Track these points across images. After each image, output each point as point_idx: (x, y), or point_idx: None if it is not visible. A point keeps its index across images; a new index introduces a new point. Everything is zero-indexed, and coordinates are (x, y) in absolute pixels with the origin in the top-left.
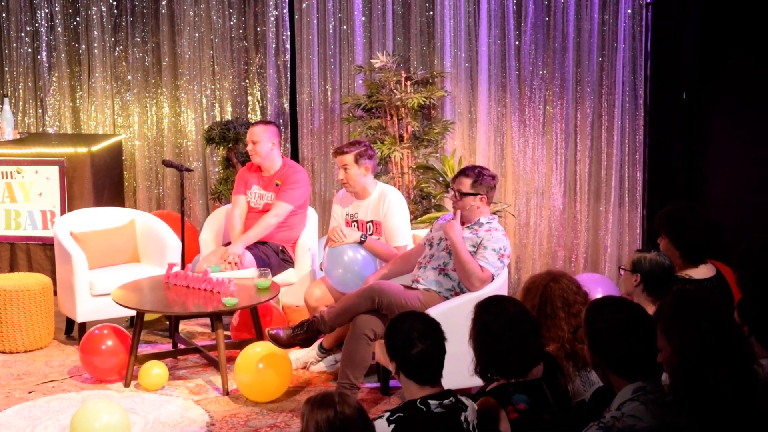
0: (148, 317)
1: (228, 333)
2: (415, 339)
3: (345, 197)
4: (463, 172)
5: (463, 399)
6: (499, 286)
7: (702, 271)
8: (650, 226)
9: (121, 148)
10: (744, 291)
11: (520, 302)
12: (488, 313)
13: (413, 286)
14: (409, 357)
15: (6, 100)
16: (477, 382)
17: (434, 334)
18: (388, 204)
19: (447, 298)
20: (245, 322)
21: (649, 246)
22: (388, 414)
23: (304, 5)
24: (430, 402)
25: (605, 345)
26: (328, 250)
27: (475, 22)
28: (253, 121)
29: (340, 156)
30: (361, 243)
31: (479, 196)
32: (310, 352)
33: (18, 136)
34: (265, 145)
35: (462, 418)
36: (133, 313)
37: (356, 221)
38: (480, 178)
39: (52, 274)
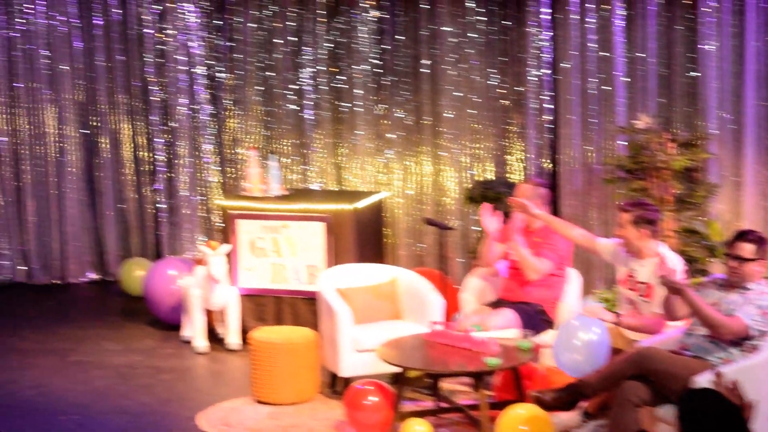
0: (409, 374)
1: (490, 393)
2: None
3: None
4: (744, 237)
5: None
6: None
7: None
8: None
9: (382, 206)
10: None
11: None
12: None
13: (681, 352)
14: None
15: (273, 156)
16: None
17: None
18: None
19: (716, 366)
20: (508, 382)
21: None
22: None
23: (567, 66)
24: None
25: None
26: (560, 330)
27: (740, 83)
28: (515, 181)
29: (620, 213)
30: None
31: (763, 260)
32: (573, 417)
33: (284, 192)
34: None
35: None
36: (395, 369)
37: (632, 278)
38: (763, 244)
39: (315, 328)
